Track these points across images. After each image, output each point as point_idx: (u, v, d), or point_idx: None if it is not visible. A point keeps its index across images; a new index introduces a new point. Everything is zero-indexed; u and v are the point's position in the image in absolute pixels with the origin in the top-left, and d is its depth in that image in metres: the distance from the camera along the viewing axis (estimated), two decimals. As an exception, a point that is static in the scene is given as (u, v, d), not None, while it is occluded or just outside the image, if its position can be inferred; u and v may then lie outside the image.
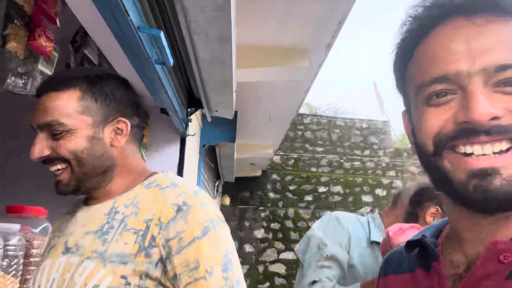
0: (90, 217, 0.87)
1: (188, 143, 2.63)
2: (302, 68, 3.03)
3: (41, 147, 0.84)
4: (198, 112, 2.96)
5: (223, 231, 0.83)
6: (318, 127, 9.30)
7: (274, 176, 8.37)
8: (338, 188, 8.40)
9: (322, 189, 8.36)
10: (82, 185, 0.87)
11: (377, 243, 1.43)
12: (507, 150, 0.47)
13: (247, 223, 7.87)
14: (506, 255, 0.47)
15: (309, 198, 8.29)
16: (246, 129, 4.52)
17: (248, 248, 7.69)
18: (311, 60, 2.99)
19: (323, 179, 8.47)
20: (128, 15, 1.22)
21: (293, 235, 7.82)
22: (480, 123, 0.46)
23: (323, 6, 2.39)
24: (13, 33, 1.18)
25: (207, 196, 0.86)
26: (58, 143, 0.84)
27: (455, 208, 0.53)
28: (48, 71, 1.34)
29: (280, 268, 7.66)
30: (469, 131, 0.47)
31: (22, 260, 1.19)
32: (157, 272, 0.77)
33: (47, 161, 0.85)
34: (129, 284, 0.75)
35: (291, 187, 8.34)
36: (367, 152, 9.18)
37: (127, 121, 0.90)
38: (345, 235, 1.43)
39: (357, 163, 8.96)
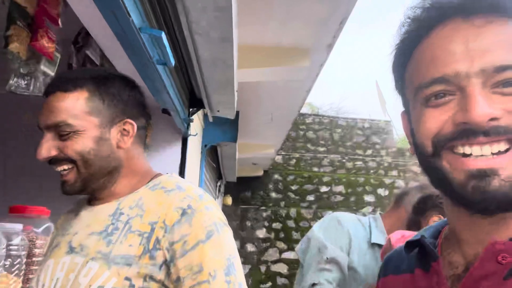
0: (94, 218, 0.87)
1: (189, 143, 2.64)
2: (303, 68, 3.03)
3: (48, 148, 0.84)
4: (200, 112, 2.97)
5: (227, 234, 0.83)
6: (320, 127, 9.29)
7: (276, 176, 8.37)
8: (340, 188, 8.39)
9: (324, 189, 8.36)
10: (88, 185, 0.87)
11: (378, 245, 1.42)
12: (506, 151, 0.47)
13: (249, 223, 7.87)
14: (504, 255, 0.47)
15: (311, 198, 8.28)
16: (247, 129, 4.52)
17: (250, 247, 7.70)
18: (312, 60, 2.99)
19: (325, 179, 8.47)
20: (130, 16, 1.23)
21: (295, 235, 7.82)
22: (478, 124, 0.46)
23: (324, 6, 2.39)
24: (16, 34, 1.19)
25: (211, 200, 0.87)
26: (65, 143, 0.84)
27: (454, 209, 0.53)
28: (51, 72, 1.35)
29: (282, 268, 7.66)
30: (468, 132, 0.47)
31: (24, 260, 1.19)
32: (161, 275, 0.77)
33: (53, 161, 0.86)
34: (133, 286, 0.76)
35: (293, 187, 8.34)
36: (369, 151, 9.17)
37: (134, 123, 0.90)
38: (346, 237, 1.42)
39: (359, 163, 8.94)
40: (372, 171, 8.87)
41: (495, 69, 0.47)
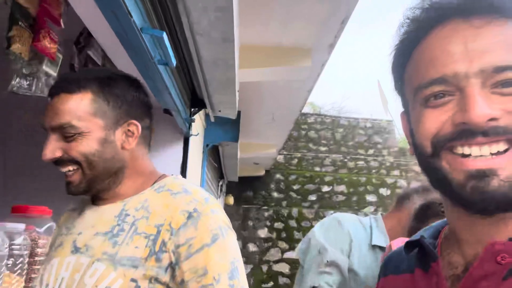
0: (99, 218, 0.87)
1: (191, 143, 2.64)
2: (305, 67, 3.03)
3: (53, 149, 0.84)
4: (202, 112, 2.97)
5: (231, 238, 0.84)
6: (321, 127, 9.29)
7: (278, 175, 8.38)
8: (342, 188, 8.38)
9: (325, 188, 8.35)
10: (93, 186, 0.87)
11: (379, 246, 1.42)
12: (505, 151, 0.47)
13: (250, 223, 7.88)
14: (503, 256, 0.47)
15: (312, 197, 8.28)
16: (249, 129, 4.52)
17: (251, 247, 7.70)
18: (314, 59, 2.99)
19: (327, 178, 8.46)
20: (131, 16, 1.23)
21: (297, 235, 7.82)
22: (477, 124, 0.46)
23: (326, 6, 2.39)
24: (18, 35, 1.20)
25: (216, 203, 0.87)
26: (69, 145, 0.84)
27: (453, 209, 0.53)
28: (53, 72, 1.35)
29: (284, 268, 7.67)
30: (467, 132, 0.47)
31: (27, 260, 1.20)
32: (166, 277, 0.78)
33: (58, 162, 0.86)
34: (138, 287, 0.77)
35: (295, 187, 8.34)
36: (371, 151, 9.16)
37: (138, 124, 0.90)
38: (346, 239, 1.41)
39: (361, 163, 8.93)
40: (374, 170, 8.86)
41: (494, 70, 0.47)
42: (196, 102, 2.65)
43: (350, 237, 1.42)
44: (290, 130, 5.08)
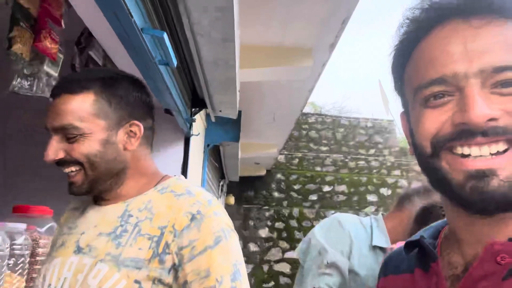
0: (102, 218, 0.87)
1: (192, 143, 2.65)
2: (306, 67, 3.03)
3: (55, 150, 0.84)
4: (202, 112, 2.97)
5: (233, 240, 0.84)
6: (322, 126, 9.29)
7: (279, 175, 8.38)
8: (342, 188, 8.38)
9: (326, 188, 8.35)
10: (95, 187, 0.87)
11: (379, 247, 1.42)
12: (504, 151, 0.47)
13: (251, 222, 7.88)
14: (503, 256, 0.47)
15: (313, 197, 8.28)
16: (250, 129, 4.52)
17: (252, 247, 7.71)
18: (315, 59, 2.99)
19: (328, 178, 8.46)
20: (132, 17, 1.23)
21: (298, 235, 7.82)
22: (477, 124, 0.46)
23: (326, 5, 2.39)
24: (19, 35, 1.20)
25: (219, 205, 0.88)
26: (72, 146, 0.84)
27: (453, 209, 0.53)
28: (54, 73, 1.35)
29: (284, 267, 7.67)
30: (467, 132, 0.47)
31: (28, 259, 1.20)
32: (169, 278, 0.78)
33: (60, 163, 0.85)
34: None
35: (296, 187, 8.34)
36: (372, 151, 9.15)
37: (140, 124, 0.90)
38: (347, 240, 1.41)
39: (362, 163, 8.93)
40: (374, 170, 8.86)
41: (493, 70, 0.47)
42: (196, 102, 2.65)
43: (350, 238, 1.41)
44: (291, 130, 5.08)
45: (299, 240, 7.58)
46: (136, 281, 0.77)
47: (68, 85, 0.87)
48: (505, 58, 0.47)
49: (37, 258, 1.24)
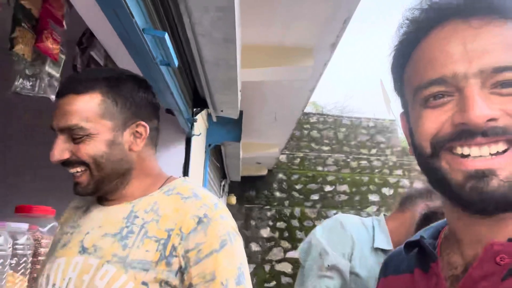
0: (107, 219, 0.86)
1: (193, 143, 2.65)
2: (307, 67, 3.03)
3: (61, 150, 0.84)
4: (204, 112, 2.98)
5: (238, 244, 0.85)
6: (324, 126, 9.28)
7: (280, 175, 8.38)
8: (344, 187, 8.38)
9: (328, 188, 8.35)
10: (101, 187, 0.87)
11: (382, 249, 1.41)
12: (504, 151, 0.47)
13: (253, 222, 7.89)
14: (502, 256, 0.47)
15: (315, 197, 8.28)
16: (251, 129, 4.53)
17: (254, 247, 7.71)
18: (316, 59, 2.99)
19: (329, 178, 8.46)
20: (133, 17, 1.24)
21: (299, 234, 7.82)
22: (477, 124, 0.46)
23: (327, 5, 2.39)
24: (21, 36, 1.20)
25: (225, 208, 0.88)
26: (78, 146, 0.84)
27: (453, 209, 0.53)
28: (55, 73, 1.36)
29: (286, 267, 7.67)
30: (466, 132, 0.47)
31: (30, 259, 1.21)
32: (176, 281, 0.79)
33: (66, 163, 0.85)
34: None
35: (297, 186, 8.34)
36: (373, 151, 9.15)
37: (146, 125, 0.90)
38: (349, 242, 1.40)
39: (363, 162, 8.93)
40: (376, 170, 8.85)
41: (493, 70, 0.47)
42: (198, 102, 2.65)
43: (352, 240, 1.41)
44: (292, 129, 5.08)
45: (300, 240, 7.58)
46: (144, 283, 0.77)
47: (74, 85, 0.86)
48: (504, 58, 0.47)
49: (39, 258, 1.24)
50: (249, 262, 7.65)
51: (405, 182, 8.50)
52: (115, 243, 0.82)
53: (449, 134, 0.49)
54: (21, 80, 1.25)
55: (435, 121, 0.50)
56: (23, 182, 2.40)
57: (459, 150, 0.49)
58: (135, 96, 0.90)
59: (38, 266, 1.22)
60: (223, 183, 6.13)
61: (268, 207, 8.04)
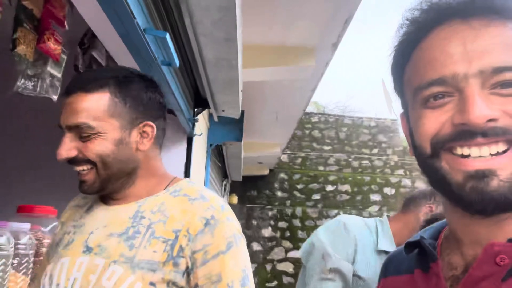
0: (113, 218, 0.86)
1: (195, 143, 2.65)
2: (308, 67, 3.03)
3: (68, 148, 0.83)
4: (205, 112, 2.98)
5: (243, 246, 0.86)
6: (325, 126, 9.28)
7: (282, 175, 8.38)
8: (346, 187, 8.37)
9: (330, 188, 8.35)
10: (107, 186, 0.87)
11: (385, 252, 1.41)
12: (504, 151, 0.47)
13: (254, 222, 7.89)
14: (502, 257, 0.47)
15: (316, 197, 8.28)
16: (253, 128, 4.53)
17: (255, 246, 7.71)
18: (317, 59, 2.99)
19: (331, 178, 8.46)
20: (134, 17, 1.24)
21: (301, 234, 7.82)
22: (476, 125, 0.46)
23: (329, 5, 2.39)
24: (23, 37, 1.21)
25: (230, 210, 0.89)
26: (85, 145, 0.83)
27: (453, 210, 0.53)
28: (57, 73, 1.36)
29: (287, 267, 7.67)
30: (466, 133, 0.47)
31: (32, 259, 1.21)
32: (183, 281, 0.79)
33: (72, 161, 0.85)
34: None
35: (299, 186, 8.34)
36: (375, 150, 9.13)
37: (154, 125, 0.90)
38: (352, 244, 1.39)
39: (365, 162, 8.91)
40: (378, 170, 8.84)
41: (493, 70, 0.47)
42: (199, 102, 2.66)
43: (355, 242, 1.40)
44: (293, 129, 5.08)
45: (302, 240, 7.58)
46: (151, 283, 0.77)
47: (83, 83, 0.86)
48: (504, 58, 0.47)
49: (41, 257, 1.25)
50: (251, 261, 7.63)
51: (407, 181, 8.49)
52: (121, 243, 0.81)
53: (449, 134, 0.49)
54: (23, 80, 1.25)
55: (435, 121, 0.50)
56: (25, 181, 2.41)
57: (459, 151, 0.49)
58: (144, 96, 0.90)
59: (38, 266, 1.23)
60: (224, 182, 6.14)
61: (269, 206, 8.04)
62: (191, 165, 2.55)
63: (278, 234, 7.86)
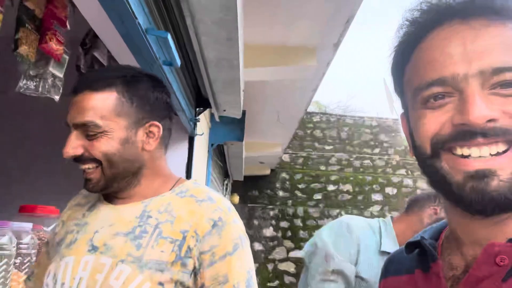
0: (119, 217, 0.86)
1: (196, 143, 2.66)
2: (310, 67, 3.03)
3: (74, 146, 0.83)
4: (207, 112, 2.98)
5: (248, 247, 0.87)
6: (327, 126, 9.26)
7: (283, 174, 8.37)
8: (347, 187, 8.36)
9: (331, 187, 8.34)
10: (112, 185, 0.87)
11: (388, 253, 1.40)
12: (504, 152, 0.47)
13: (256, 222, 7.89)
14: (502, 257, 0.47)
15: (318, 196, 8.27)
16: (254, 128, 4.53)
17: (257, 246, 7.72)
18: (319, 59, 2.99)
19: (333, 177, 8.45)
20: (136, 18, 1.24)
21: (302, 234, 7.82)
22: (476, 125, 0.46)
23: (330, 5, 2.39)
24: (25, 37, 1.21)
25: (236, 212, 0.90)
26: (91, 143, 0.84)
27: (453, 210, 0.54)
28: (59, 74, 1.37)
29: (289, 267, 7.67)
30: (466, 133, 0.47)
31: (34, 258, 1.22)
32: (190, 282, 0.80)
33: (78, 159, 0.85)
34: None
35: (300, 186, 8.33)
36: (377, 150, 9.11)
37: (160, 125, 0.90)
38: (355, 245, 1.39)
39: (366, 162, 8.90)
40: (380, 169, 8.82)
41: (493, 71, 0.47)
42: (201, 101, 2.66)
43: (358, 244, 1.39)
44: (295, 129, 5.08)
45: (303, 239, 7.58)
46: (160, 283, 0.78)
47: (91, 82, 0.86)
48: (504, 59, 0.47)
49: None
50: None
51: (409, 181, 8.48)
52: (128, 243, 0.81)
53: (449, 134, 0.49)
54: (25, 80, 1.26)
55: (435, 121, 0.50)
56: (27, 181, 2.42)
57: (459, 151, 0.49)
58: (151, 95, 0.90)
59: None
60: (226, 182, 6.14)
61: (271, 206, 8.04)
62: (192, 164, 2.56)
63: (279, 234, 7.86)
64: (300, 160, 8.83)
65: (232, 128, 3.51)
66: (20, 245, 1.15)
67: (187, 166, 2.54)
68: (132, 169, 0.88)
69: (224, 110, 2.90)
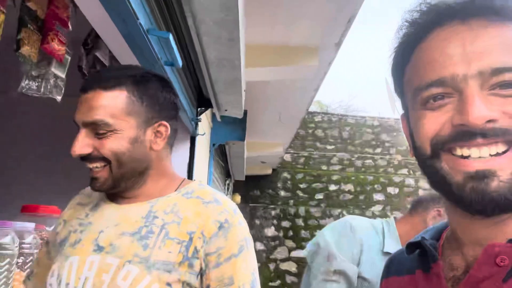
0: (124, 217, 0.86)
1: (198, 143, 2.66)
2: (311, 66, 3.03)
3: (83, 145, 0.83)
4: (208, 112, 2.99)
5: (252, 249, 0.88)
6: (328, 125, 9.25)
7: (285, 174, 8.37)
8: (349, 187, 8.35)
9: (333, 187, 8.33)
10: (119, 184, 0.87)
11: (391, 253, 1.40)
12: (504, 152, 0.47)
13: (257, 221, 7.89)
14: (503, 258, 0.47)
15: (320, 196, 8.27)
16: (256, 128, 4.53)
17: (259, 246, 7.72)
18: (320, 58, 2.98)
19: (334, 177, 8.44)
20: (137, 18, 1.25)
21: (304, 233, 7.82)
22: (476, 126, 0.46)
23: (332, 4, 2.39)
24: (27, 37, 1.22)
25: (241, 214, 0.90)
26: (101, 142, 0.83)
27: (453, 211, 0.54)
28: (61, 74, 1.37)
29: (291, 266, 7.67)
30: (466, 134, 0.48)
31: (36, 258, 1.22)
32: (197, 283, 0.81)
33: (85, 158, 0.84)
34: None
35: (302, 185, 8.33)
36: (378, 150, 9.10)
37: (168, 125, 0.90)
38: (357, 246, 1.38)
39: (368, 161, 8.89)
40: (381, 169, 8.81)
41: (492, 71, 0.47)
42: (202, 101, 2.66)
43: (361, 244, 1.39)
44: (297, 128, 5.08)
45: (305, 239, 7.58)
46: (168, 284, 0.78)
47: (101, 80, 0.86)
48: (504, 59, 0.47)
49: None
50: (254, 261, 7.65)
51: (410, 181, 8.47)
52: (134, 243, 0.81)
53: (448, 135, 0.49)
54: (27, 81, 1.26)
55: (435, 122, 0.50)
56: (27, 181, 2.42)
57: (459, 151, 0.49)
58: (160, 95, 0.90)
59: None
60: (227, 182, 6.14)
61: (272, 206, 8.05)
62: (194, 164, 2.56)
63: (281, 234, 7.87)
64: (302, 160, 8.82)
65: (234, 128, 3.52)
66: (23, 245, 1.16)
67: (189, 166, 2.55)
68: (140, 169, 0.88)
69: (226, 110, 2.90)
